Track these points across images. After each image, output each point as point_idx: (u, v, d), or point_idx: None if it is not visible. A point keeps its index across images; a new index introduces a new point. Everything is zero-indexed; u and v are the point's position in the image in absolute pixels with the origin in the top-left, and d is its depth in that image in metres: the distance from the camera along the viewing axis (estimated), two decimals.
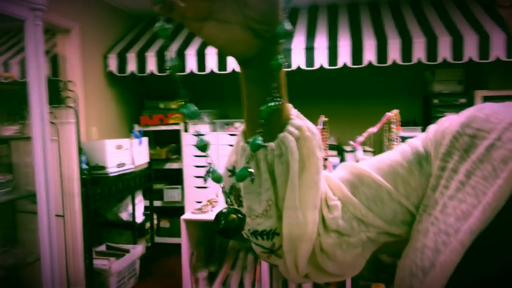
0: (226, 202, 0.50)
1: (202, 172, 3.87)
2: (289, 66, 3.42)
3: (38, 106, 2.07)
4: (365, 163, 0.54)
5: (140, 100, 4.21)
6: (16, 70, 3.40)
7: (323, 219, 0.50)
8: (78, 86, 3.17)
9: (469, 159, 0.46)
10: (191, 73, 3.54)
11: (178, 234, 2.57)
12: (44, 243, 2.13)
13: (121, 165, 3.14)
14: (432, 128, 0.52)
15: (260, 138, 0.41)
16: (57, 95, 2.63)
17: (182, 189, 3.97)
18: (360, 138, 2.41)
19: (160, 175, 4.08)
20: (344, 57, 3.35)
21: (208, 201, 2.48)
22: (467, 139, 0.47)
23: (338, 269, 0.52)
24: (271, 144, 0.44)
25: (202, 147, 0.41)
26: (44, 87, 2.10)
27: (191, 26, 0.39)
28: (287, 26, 0.38)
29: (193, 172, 3.89)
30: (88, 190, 2.70)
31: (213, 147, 3.86)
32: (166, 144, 4.13)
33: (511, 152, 0.43)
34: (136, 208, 3.43)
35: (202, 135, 0.43)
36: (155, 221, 3.89)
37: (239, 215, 0.41)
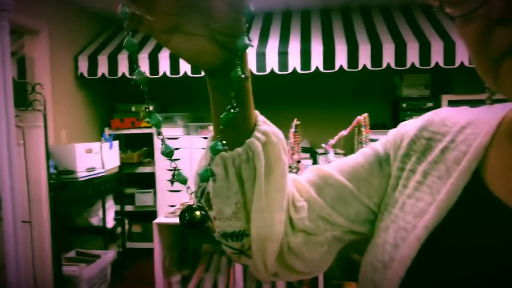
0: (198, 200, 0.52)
1: (182, 172, 3.83)
2: (263, 69, 3.45)
3: (3, 109, 2.00)
4: (330, 165, 0.57)
5: (111, 103, 4.14)
6: None
7: (290, 220, 0.53)
8: (46, 88, 3.08)
9: (426, 160, 0.49)
10: (164, 76, 3.51)
11: (150, 239, 2.53)
12: (10, 250, 2.05)
13: (91, 169, 3.07)
14: (392, 132, 0.55)
15: (220, 143, 0.43)
16: (24, 98, 2.55)
17: (155, 193, 3.92)
18: (332, 141, 2.45)
19: (132, 179, 4.01)
20: (317, 61, 3.40)
21: (182, 204, 2.46)
22: (424, 142, 0.50)
23: (306, 267, 0.54)
24: (238, 150, 0.46)
25: (168, 153, 0.43)
26: (10, 89, 2.03)
27: (159, 38, 0.40)
28: (247, 40, 0.40)
29: (166, 176, 3.85)
30: (56, 195, 2.62)
31: (186, 150, 3.83)
32: (138, 147, 4.07)
33: (463, 153, 0.45)
34: (107, 213, 3.35)
35: (167, 138, 0.45)
36: (127, 226, 3.82)
37: (203, 212, 0.43)
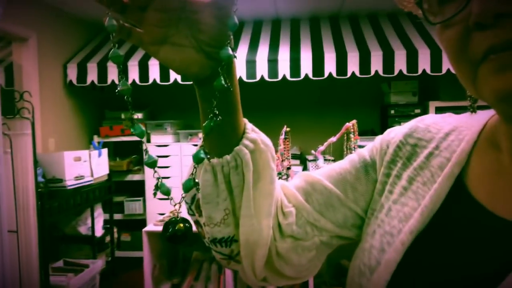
0: (188, 212, 0.52)
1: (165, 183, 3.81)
2: (253, 77, 3.46)
3: None
4: (318, 171, 0.58)
5: (100, 111, 4.11)
6: None
7: (279, 225, 0.53)
8: (34, 96, 3.05)
9: (411, 166, 0.50)
10: (154, 83, 3.50)
11: (139, 248, 2.51)
12: None
13: (79, 177, 3.04)
14: (378, 139, 0.56)
15: (203, 151, 0.45)
16: (11, 106, 2.52)
17: (144, 201, 3.89)
18: (321, 148, 2.47)
19: (121, 187, 3.98)
20: (306, 69, 3.43)
21: (171, 212, 2.44)
22: (409, 148, 0.51)
23: (294, 272, 0.55)
24: (227, 157, 0.48)
25: (151, 163, 0.44)
26: None
27: (148, 50, 0.42)
28: (230, 50, 0.42)
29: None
30: (44, 203, 2.59)
31: (176, 158, 3.81)
32: (128, 155, 4.04)
33: (446, 159, 0.47)
34: (96, 222, 3.32)
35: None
36: (116, 235, 3.78)
37: (186, 224, 0.44)
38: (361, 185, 0.54)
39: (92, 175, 3.23)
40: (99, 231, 3.38)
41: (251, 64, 3.47)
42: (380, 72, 3.37)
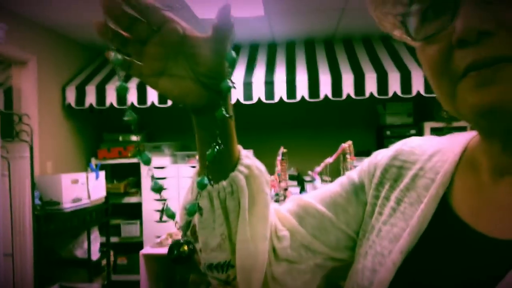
0: (183, 239, 0.53)
1: (170, 207, 3.79)
2: (250, 99, 3.51)
3: None
4: (310, 195, 0.60)
5: (99, 133, 4.13)
6: None
7: (273, 249, 0.55)
8: (33, 119, 3.07)
9: (398, 187, 0.51)
10: (152, 105, 3.54)
11: (136, 271, 2.48)
12: None
13: (76, 200, 3.03)
14: (366, 161, 0.58)
15: (207, 178, 0.46)
16: (10, 129, 2.54)
17: (141, 223, 3.86)
18: (318, 168, 2.49)
19: (118, 210, 3.96)
20: (302, 90, 3.48)
21: (168, 234, 2.43)
22: (396, 170, 0.53)
23: None
24: (223, 183, 0.49)
25: (157, 189, 0.45)
26: None
27: (148, 81, 0.44)
28: (230, 82, 0.44)
29: (153, 206, 3.81)
30: (41, 227, 2.57)
31: (174, 179, 3.81)
32: (125, 177, 4.04)
33: (431, 180, 0.48)
34: (92, 245, 3.28)
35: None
36: (112, 258, 3.74)
37: (190, 247, 0.45)
38: (351, 207, 0.55)
39: (89, 198, 3.22)
40: (95, 255, 3.34)
41: (248, 86, 3.52)
42: (375, 94, 3.42)
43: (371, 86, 3.43)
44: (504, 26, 0.35)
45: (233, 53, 0.43)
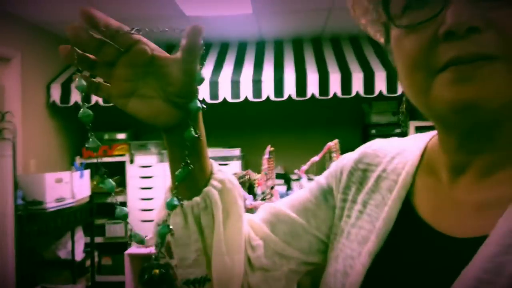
0: (158, 256, 0.52)
1: (148, 205, 3.77)
2: (237, 97, 3.50)
3: None
4: (281, 202, 0.61)
5: (83, 132, 4.05)
6: None
7: (248, 259, 0.55)
8: (16, 117, 3.01)
9: (364, 190, 0.53)
10: None
11: (121, 272, 2.45)
12: None
13: (60, 199, 2.98)
14: (333, 166, 0.60)
15: (176, 198, 0.46)
16: None
17: (126, 223, 3.81)
18: (304, 167, 2.49)
19: (103, 210, 3.90)
20: (289, 89, 3.49)
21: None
22: (360, 173, 0.54)
23: None
24: (197, 199, 0.49)
25: (122, 216, 0.45)
26: None
27: (117, 103, 0.44)
28: (199, 103, 0.44)
29: (138, 206, 3.77)
30: (23, 227, 2.52)
31: (160, 178, 3.78)
32: (111, 176, 3.93)
33: (394, 182, 0.50)
34: (76, 245, 3.23)
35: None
36: (96, 259, 3.69)
37: (162, 270, 0.45)
38: (321, 212, 0.56)
39: (73, 197, 3.16)
40: (79, 255, 3.29)
41: (235, 84, 3.51)
42: (361, 93, 3.45)
43: (357, 85, 3.45)
44: (492, 25, 0.35)
45: (202, 74, 0.44)
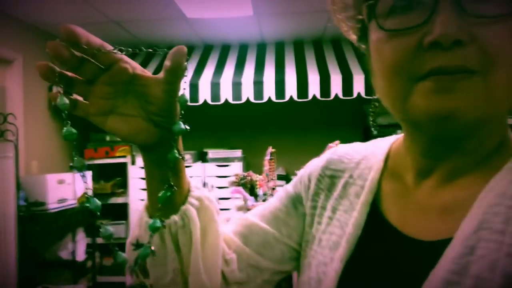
0: (131, 275, 0.51)
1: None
2: (239, 98, 3.51)
3: None
4: (252, 213, 0.61)
5: (85, 133, 4.08)
6: None
7: (222, 274, 0.54)
8: (19, 118, 3.02)
9: (333, 196, 0.53)
10: None
11: (122, 273, 2.45)
12: None
13: (62, 200, 2.99)
14: (300, 173, 0.60)
15: (159, 220, 0.45)
16: None
17: (127, 224, 3.83)
18: None
19: (105, 211, 3.90)
20: (291, 91, 3.49)
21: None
22: (328, 180, 0.55)
23: None
24: (175, 217, 0.48)
25: (107, 236, 0.43)
26: None
27: (95, 121, 0.43)
28: (182, 125, 0.43)
29: (140, 207, 3.77)
30: (25, 228, 2.53)
31: None
32: (112, 177, 3.99)
33: (361, 187, 0.50)
34: (77, 246, 3.24)
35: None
36: (97, 259, 3.69)
37: None
38: (292, 220, 0.57)
39: (75, 198, 3.17)
40: (80, 256, 3.30)
41: (237, 86, 3.52)
42: (363, 94, 3.45)
43: (359, 86, 3.46)
44: (475, 40, 0.36)
45: (186, 96, 0.43)
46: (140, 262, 0.46)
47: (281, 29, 3.76)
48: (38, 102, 3.45)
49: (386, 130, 3.85)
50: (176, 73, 0.41)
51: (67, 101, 0.40)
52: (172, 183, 0.45)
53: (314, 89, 3.48)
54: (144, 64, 3.86)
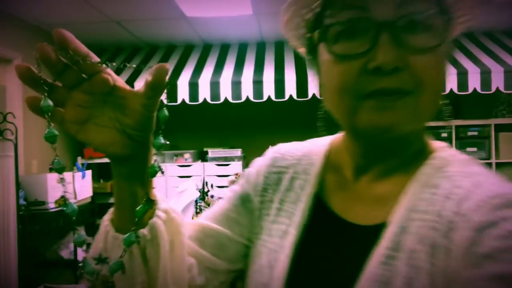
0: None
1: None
2: (239, 98, 3.51)
3: None
4: (204, 216, 0.62)
5: None
6: None
7: None
8: (18, 117, 3.02)
9: (280, 190, 0.58)
10: None
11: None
12: None
13: None
14: (247, 172, 0.64)
15: (135, 234, 0.45)
16: None
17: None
18: None
19: (105, 210, 3.87)
20: (290, 90, 3.50)
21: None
22: (275, 176, 0.60)
23: None
24: (143, 231, 0.48)
25: (80, 242, 0.44)
26: None
27: (68, 128, 0.43)
28: (162, 140, 0.45)
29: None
30: (25, 227, 2.53)
31: (160, 179, 3.79)
32: (111, 177, 3.99)
33: (304, 181, 0.57)
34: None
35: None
36: None
37: None
38: (243, 218, 0.60)
39: (75, 197, 3.18)
40: (81, 255, 3.31)
41: (236, 85, 3.52)
42: None
43: None
44: (408, 67, 0.44)
45: (165, 111, 0.44)
46: (109, 276, 0.45)
47: (280, 28, 3.76)
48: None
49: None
50: (157, 89, 0.42)
51: (51, 103, 0.40)
52: (152, 199, 0.46)
53: (313, 88, 3.48)
54: (144, 64, 3.86)
